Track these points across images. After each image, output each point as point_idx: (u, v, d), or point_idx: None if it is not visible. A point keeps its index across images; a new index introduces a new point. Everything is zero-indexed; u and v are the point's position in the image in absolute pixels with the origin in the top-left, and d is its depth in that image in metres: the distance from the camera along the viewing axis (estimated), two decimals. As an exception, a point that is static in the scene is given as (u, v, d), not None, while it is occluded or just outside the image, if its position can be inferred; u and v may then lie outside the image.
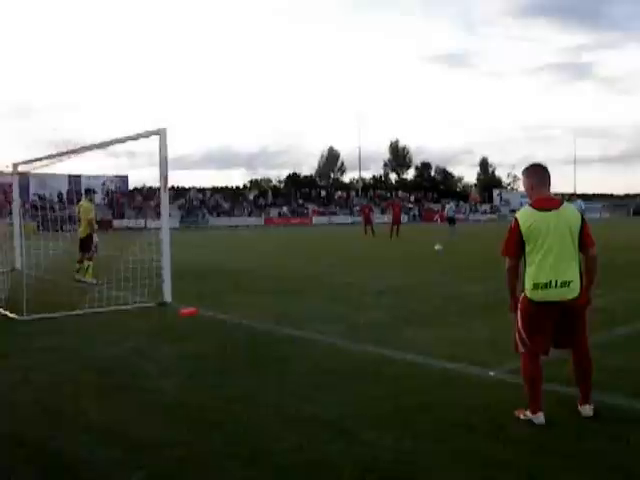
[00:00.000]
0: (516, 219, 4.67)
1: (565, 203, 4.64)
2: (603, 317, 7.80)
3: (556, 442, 4.24)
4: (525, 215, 4.64)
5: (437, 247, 22.33)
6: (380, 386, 5.63)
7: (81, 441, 4.42)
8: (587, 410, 4.65)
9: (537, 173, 4.77)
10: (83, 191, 15.32)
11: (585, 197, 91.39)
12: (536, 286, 4.55)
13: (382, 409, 4.99)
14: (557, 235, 4.52)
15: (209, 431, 4.58)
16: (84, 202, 14.02)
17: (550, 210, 4.56)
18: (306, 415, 4.87)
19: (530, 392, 4.59)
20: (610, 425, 4.54)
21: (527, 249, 4.60)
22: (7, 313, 9.48)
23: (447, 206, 36.55)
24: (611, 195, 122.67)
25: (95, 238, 13.55)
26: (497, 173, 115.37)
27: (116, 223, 55.09)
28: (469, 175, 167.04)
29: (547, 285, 4.52)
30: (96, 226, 13.91)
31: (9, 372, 6.36)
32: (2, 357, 7.00)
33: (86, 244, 13.56)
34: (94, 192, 15.46)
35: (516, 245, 4.65)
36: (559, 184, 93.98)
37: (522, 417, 4.62)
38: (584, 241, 4.60)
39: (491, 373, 5.88)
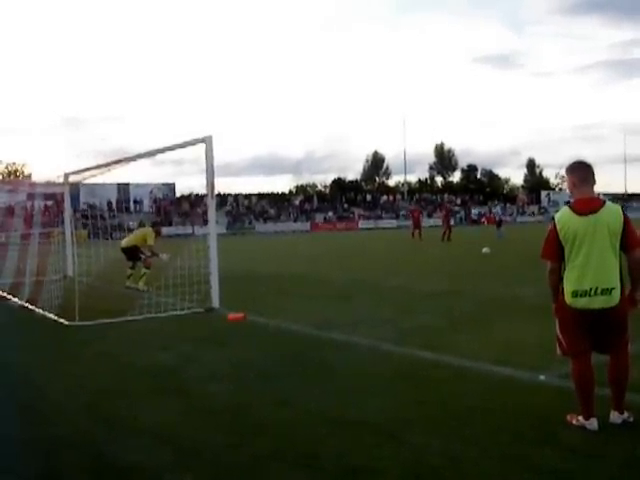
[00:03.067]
0: (554, 222, 4.58)
1: (607, 204, 4.47)
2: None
3: (610, 449, 4.13)
4: (563, 218, 4.52)
5: (485, 250, 22.07)
6: (427, 390, 5.58)
7: (133, 445, 4.50)
8: (614, 417, 4.50)
9: (580, 171, 4.62)
10: (151, 223, 16.18)
11: (637, 196, 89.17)
12: (575, 293, 4.44)
13: (429, 413, 4.94)
14: (597, 240, 4.38)
15: (256, 435, 4.60)
16: (148, 229, 14.43)
17: (590, 214, 4.41)
18: (352, 419, 4.86)
19: (582, 397, 4.48)
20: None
21: (566, 253, 4.49)
22: (60, 319, 9.70)
23: (494, 209, 35.44)
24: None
25: (165, 256, 13.68)
26: (545, 174, 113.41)
27: (164, 230, 55.72)
28: (516, 177, 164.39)
29: (587, 293, 4.40)
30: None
31: (63, 377, 6.53)
32: (56, 362, 7.18)
33: (133, 253, 13.89)
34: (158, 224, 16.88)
35: (555, 248, 4.54)
36: (609, 184, 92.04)
37: (574, 423, 4.51)
38: (627, 242, 4.42)
39: (541, 377, 5.77)
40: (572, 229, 4.44)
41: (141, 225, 16.24)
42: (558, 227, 4.52)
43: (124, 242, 14.08)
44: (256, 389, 5.81)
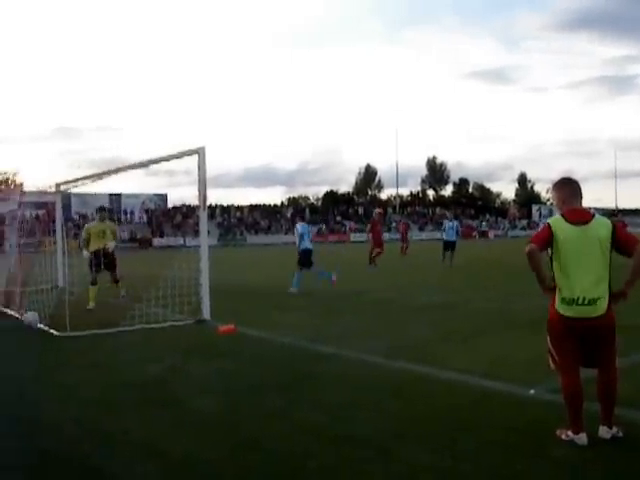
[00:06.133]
0: (549, 223, 4.58)
1: (597, 216, 4.54)
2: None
3: (600, 463, 4.14)
4: (557, 224, 4.55)
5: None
6: (418, 404, 5.58)
7: (121, 457, 4.46)
8: (602, 431, 4.51)
9: (568, 187, 4.68)
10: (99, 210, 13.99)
11: (628, 212, 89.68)
12: (564, 301, 4.49)
13: (420, 428, 4.94)
14: (587, 250, 4.43)
15: (246, 448, 4.59)
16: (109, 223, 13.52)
17: (581, 224, 4.47)
18: (342, 433, 4.85)
19: (571, 411, 4.49)
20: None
21: (554, 257, 4.52)
22: (50, 330, 9.65)
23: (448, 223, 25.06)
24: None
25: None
26: (536, 188, 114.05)
27: (155, 241, 55.85)
28: (508, 191, 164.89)
29: (575, 301, 4.44)
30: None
31: (51, 388, 6.48)
32: (45, 373, 7.13)
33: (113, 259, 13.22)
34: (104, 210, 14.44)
35: (545, 239, 4.52)
36: (600, 199, 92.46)
37: (564, 437, 4.51)
38: (625, 244, 4.44)
39: (531, 391, 5.77)
40: (564, 235, 4.49)
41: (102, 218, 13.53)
42: (552, 228, 4.55)
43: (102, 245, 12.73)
44: (246, 402, 5.79)
